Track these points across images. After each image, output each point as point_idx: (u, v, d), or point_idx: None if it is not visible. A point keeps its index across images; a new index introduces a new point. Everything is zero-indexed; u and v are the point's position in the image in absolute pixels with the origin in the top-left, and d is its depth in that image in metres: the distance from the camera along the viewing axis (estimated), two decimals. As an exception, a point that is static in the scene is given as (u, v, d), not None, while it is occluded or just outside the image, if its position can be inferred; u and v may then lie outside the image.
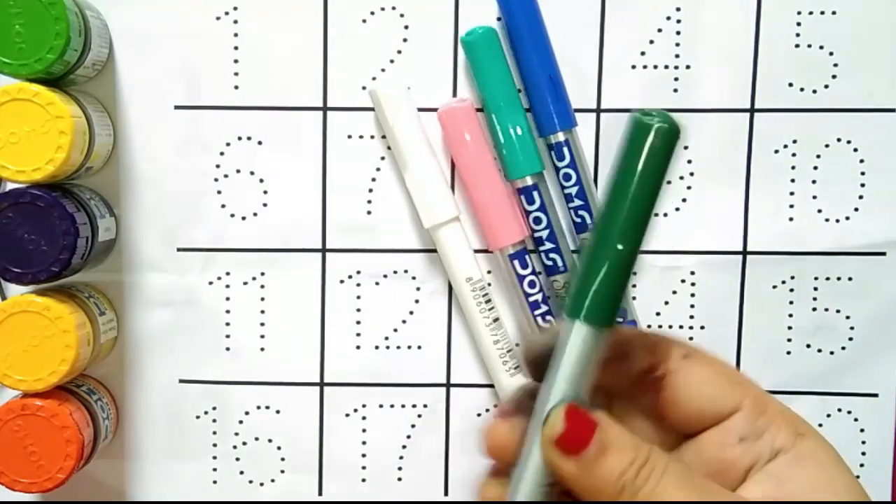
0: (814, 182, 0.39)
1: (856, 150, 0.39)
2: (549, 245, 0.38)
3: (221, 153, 0.39)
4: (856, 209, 0.39)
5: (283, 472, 0.41)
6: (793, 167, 0.39)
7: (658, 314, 0.40)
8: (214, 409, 0.40)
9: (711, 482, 0.25)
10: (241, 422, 0.40)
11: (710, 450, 0.26)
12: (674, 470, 0.24)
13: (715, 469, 0.26)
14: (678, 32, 0.38)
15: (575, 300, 0.23)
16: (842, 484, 0.25)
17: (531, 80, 0.38)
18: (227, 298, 0.40)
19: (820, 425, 0.40)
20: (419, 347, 0.40)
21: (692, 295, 0.40)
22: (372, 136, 0.39)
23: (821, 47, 0.38)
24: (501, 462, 0.27)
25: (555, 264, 0.38)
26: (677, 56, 0.38)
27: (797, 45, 0.38)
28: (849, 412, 0.40)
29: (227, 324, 0.40)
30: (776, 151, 0.39)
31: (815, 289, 0.40)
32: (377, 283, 0.40)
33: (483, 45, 0.37)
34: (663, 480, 0.23)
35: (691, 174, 0.39)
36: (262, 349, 0.40)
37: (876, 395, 0.40)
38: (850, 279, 0.39)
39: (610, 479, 0.23)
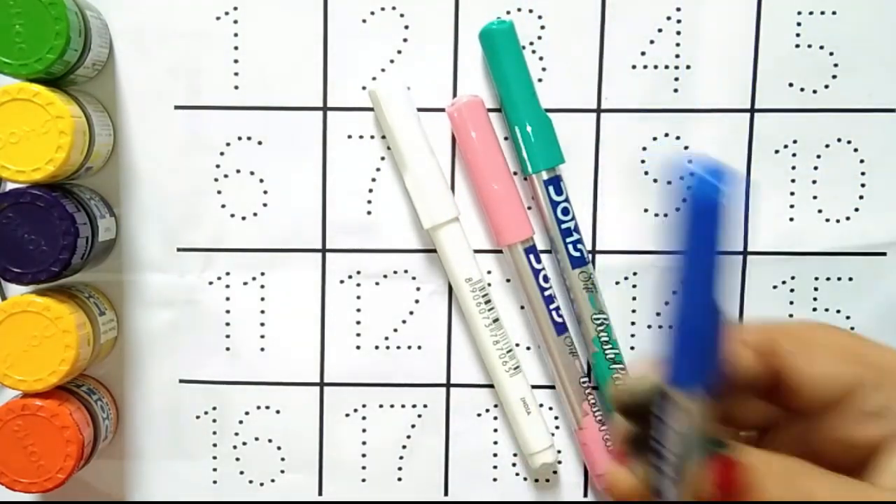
0: (814, 182, 0.39)
1: (856, 150, 0.39)
2: (575, 236, 0.38)
3: (221, 153, 0.39)
4: (856, 209, 0.39)
5: (283, 472, 0.41)
6: (793, 167, 0.39)
7: (658, 314, 0.40)
8: (214, 409, 0.40)
9: (851, 481, 0.24)
10: (241, 422, 0.40)
11: (839, 430, 0.25)
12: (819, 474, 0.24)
13: (847, 447, 0.25)
14: (678, 32, 0.38)
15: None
16: None
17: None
18: (227, 298, 0.40)
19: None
20: (419, 347, 0.40)
21: (692, 295, 0.39)
22: (372, 136, 0.39)
23: (821, 47, 0.38)
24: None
25: (581, 255, 0.38)
26: (677, 56, 0.38)
27: (797, 45, 0.38)
28: (849, 412, 0.40)
29: (227, 324, 0.40)
30: (776, 151, 0.39)
31: (816, 289, 0.40)
32: (377, 283, 0.40)
33: (501, 39, 0.37)
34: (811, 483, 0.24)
35: (691, 174, 0.39)
36: (262, 349, 0.40)
37: (876, 396, 0.40)
38: (850, 279, 0.39)
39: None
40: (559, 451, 0.40)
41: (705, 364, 0.23)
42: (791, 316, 0.40)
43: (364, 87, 0.39)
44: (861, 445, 0.25)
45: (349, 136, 0.39)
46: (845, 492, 0.24)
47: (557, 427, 0.40)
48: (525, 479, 0.40)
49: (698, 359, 0.23)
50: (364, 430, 0.40)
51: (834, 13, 0.38)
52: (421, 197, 0.38)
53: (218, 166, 0.39)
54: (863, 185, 0.39)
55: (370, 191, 0.39)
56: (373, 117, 0.39)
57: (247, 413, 0.40)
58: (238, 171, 0.39)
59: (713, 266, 0.23)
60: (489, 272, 0.40)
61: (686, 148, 0.39)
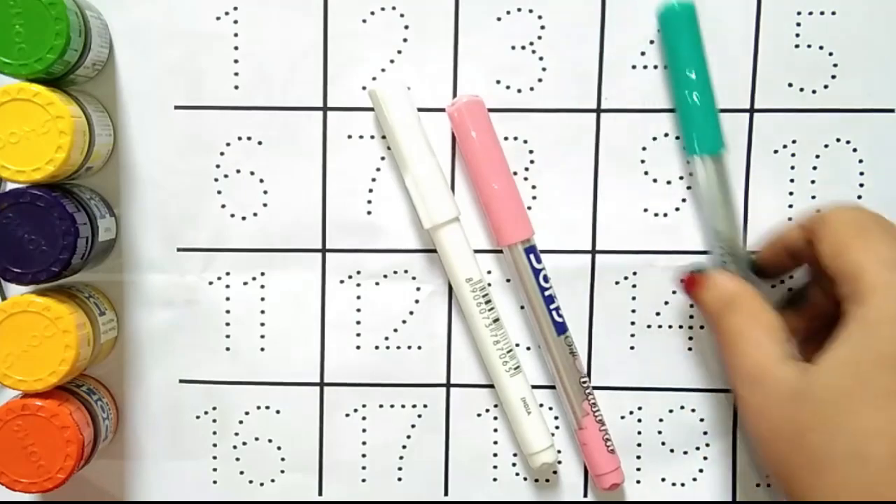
0: (813, 182, 0.39)
1: (855, 150, 0.39)
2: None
3: (221, 153, 0.39)
4: (855, 209, 0.39)
5: (283, 472, 0.41)
6: (792, 167, 0.39)
7: (658, 314, 0.40)
8: (214, 409, 0.40)
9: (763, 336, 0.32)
10: (241, 422, 0.40)
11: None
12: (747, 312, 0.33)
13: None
14: (678, 32, 0.38)
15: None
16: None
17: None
18: (227, 298, 0.40)
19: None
20: (419, 347, 0.40)
21: (692, 295, 0.40)
22: (372, 136, 0.39)
23: (821, 47, 0.38)
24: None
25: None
26: (677, 56, 0.38)
27: (797, 45, 0.38)
28: (848, 412, 0.40)
29: (227, 324, 0.40)
30: (776, 151, 0.39)
31: None
32: (377, 283, 0.40)
33: (683, 19, 0.37)
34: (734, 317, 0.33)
35: (691, 174, 0.39)
36: (262, 349, 0.40)
37: (876, 395, 0.40)
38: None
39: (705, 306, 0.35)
40: (559, 451, 0.40)
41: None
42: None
43: (364, 87, 0.39)
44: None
45: (349, 136, 0.39)
46: (737, 346, 0.32)
47: (557, 427, 0.40)
48: (525, 479, 0.41)
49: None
50: (364, 430, 0.40)
51: (834, 13, 0.38)
52: (421, 197, 0.38)
53: (218, 166, 0.39)
54: (862, 185, 0.39)
55: (370, 191, 0.39)
56: (373, 117, 0.39)
57: (247, 413, 0.40)
58: (238, 171, 0.39)
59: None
60: (489, 272, 0.40)
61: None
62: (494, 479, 0.40)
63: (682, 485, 0.40)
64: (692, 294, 0.36)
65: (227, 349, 0.40)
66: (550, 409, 0.40)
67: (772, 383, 0.30)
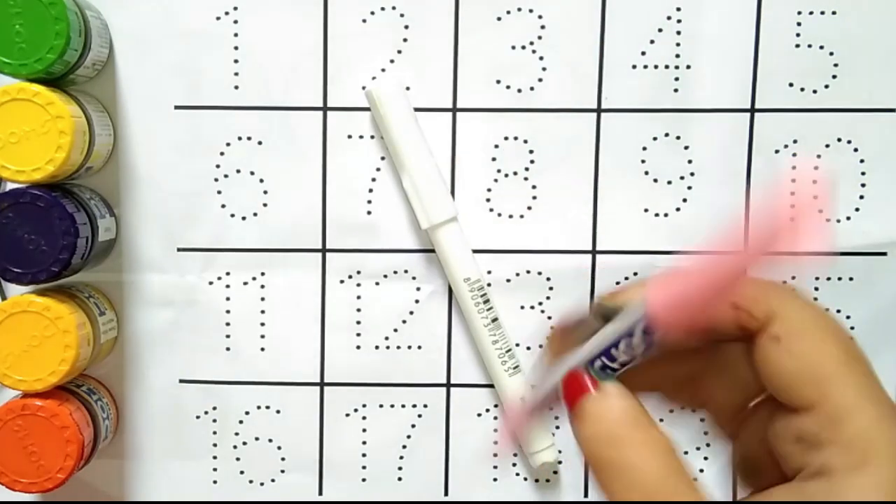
0: (814, 182, 0.39)
1: (856, 150, 0.39)
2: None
3: (221, 153, 0.39)
4: (856, 209, 0.39)
5: (283, 472, 0.41)
6: (793, 167, 0.39)
7: (658, 314, 0.40)
8: (214, 409, 0.40)
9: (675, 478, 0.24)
10: (241, 422, 0.40)
11: (775, 429, 0.25)
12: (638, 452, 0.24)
13: (773, 450, 0.25)
14: (678, 32, 0.38)
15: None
16: None
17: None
18: (227, 298, 0.40)
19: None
20: (419, 347, 0.40)
21: (692, 295, 0.39)
22: (372, 137, 0.39)
23: (821, 47, 0.38)
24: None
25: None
26: (677, 56, 0.38)
27: (797, 45, 0.38)
28: (849, 412, 0.40)
29: (227, 324, 0.40)
30: (776, 151, 0.39)
31: (816, 289, 0.40)
32: (377, 283, 0.40)
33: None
34: (630, 451, 0.24)
35: (691, 174, 0.39)
36: (262, 349, 0.40)
37: (876, 396, 0.40)
38: (850, 279, 0.39)
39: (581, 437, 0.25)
40: (560, 451, 0.40)
41: None
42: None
43: (364, 87, 0.39)
44: (782, 460, 0.24)
45: (349, 136, 0.39)
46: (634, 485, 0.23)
47: (558, 427, 0.40)
48: (525, 479, 0.40)
49: None
50: (364, 430, 0.40)
51: (834, 13, 0.38)
52: (418, 197, 0.38)
53: (218, 166, 0.39)
54: (863, 185, 0.39)
55: (370, 191, 0.39)
56: (372, 117, 0.39)
57: (247, 413, 0.40)
58: (238, 171, 0.39)
59: None
60: (489, 272, 0.40)
61: (686, 148, 0.39)
62: (494, 480, 0.40)
63: (683, 485, 0.40)
64: (569, 406, 0.25)
65: (227, 349, 0.40)
66: (551, 408, 0.40)
67: None
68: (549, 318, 0.40)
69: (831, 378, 0.23)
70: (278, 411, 0.40)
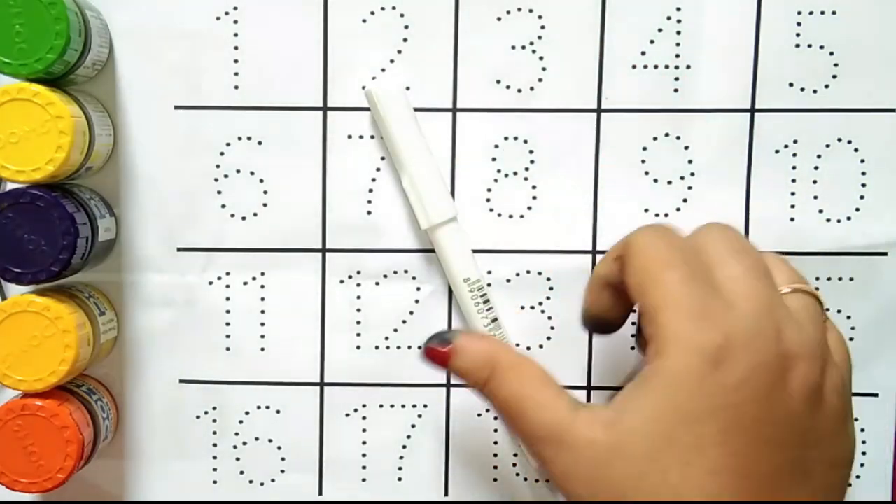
0: (815, 182, 0.39)
1: (856, 150, 0.39)
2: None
3: (221, 153, 0.39)
4: (857, 209, 0.39)
5: (283, 472, 0.41)
6: (793, 167, 0.39)
7: (658, 314, 0.40)
8: (214, 409, 0.40)
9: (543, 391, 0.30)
10: (241, 422, 0.40)
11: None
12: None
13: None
14: (678, 32, 0.38)
15: None
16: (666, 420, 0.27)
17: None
18: (227, 298, 0.40)
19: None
20: (419, 347, 0.40)
21: (692, 295, 0.39)
22: (372, 137, 0.39)
23: (821, 47, 0.38)
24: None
25: None
26: (677, 56, 0.38)
27: (797, 45, 0.38)
28: (849, 412, 0.40)
29: (227, 324, 0.40)
30: (776, 151, 0.39)
31: (817, 289, 0.40)
32: (377, 283, 0.40)
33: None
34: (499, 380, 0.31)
35: (691, 174, 0.39)
36: (262, 349, 0.40)
37: (876, 395, 0.40)
38: (851, 279, 0.39)
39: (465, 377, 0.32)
40: (559, 452, 0.40)
41: None
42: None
43: (364, 87, 0.39)
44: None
45: (349, 136, 0.39)
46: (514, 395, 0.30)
47: (557, 427, 0.40)
48: (525, 479, 0.40)
49: None
50: (364, 430, 0.40)
51: (834, 13, 0.38)
52: (418, 197, 0.38)
53: (218, 166, 0.39)
54: (863, 185, 0.39)
55: (370, 191, 0.39)
56: (371, 117, 0.39)
57: (247, 413, 0.40)
58: (238, 171, 0.39)
59: None
60: (489, 272, 0.40)
61: (686, 148, 0.39)
62: (494, 480, 0.40)
63: (683, 485, 0.40)
64: (447, 368, 0.33)
65: (227, 349, 0.40)
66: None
67: (579, 444, 0.28)
68: (549, 318, 0.40)
69: (652, 284, 0.29)
70: (278, 411, 0.40)
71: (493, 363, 0.31)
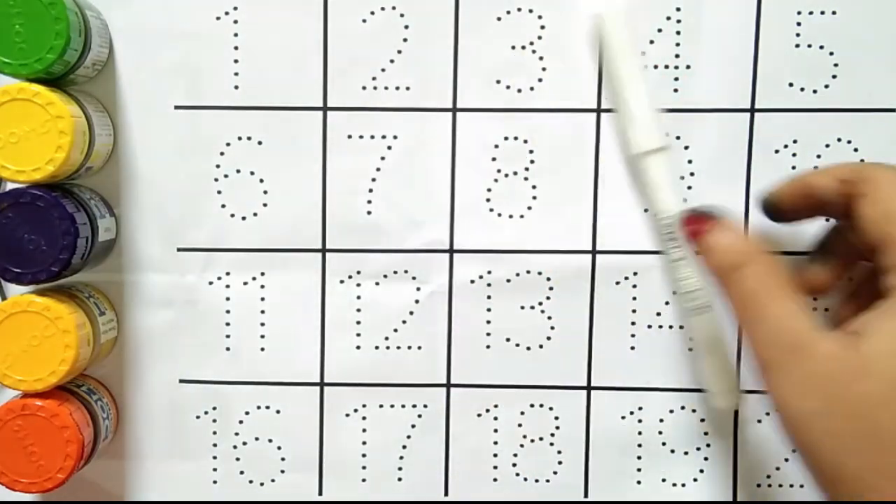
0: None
1: (856, 150, 0.39)
2: None
3: (221, 153, 0.39)
4: (856, 209, 0.39)
5: (283, 472, 0.41)
6: (793, 167, 0.39)
7: (658, 314, 0.40)
8: (214, 409, 0.40)
9: (789, 295, 0.30)
10: (241, 422, 0.40)
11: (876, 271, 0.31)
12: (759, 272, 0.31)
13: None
14: (678, 32, 0.38)
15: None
16: None
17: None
18: (227, 298, 0.40)
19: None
20: (419, 347, 0.40)
21: (692, 295, 0.40)
22: (372, 136, 0.39)
23: (821, 47, 0.38)
24: None
25: None
26: (677, 56, 0.38)
27: (797, 45, 0.38)
28: (849, 412, 0.40)
29: (227, 324, 0.40)
30: (776, 151, 0.39)
31: (816, 289, 0.40)
32: (377, 283, 0.40)
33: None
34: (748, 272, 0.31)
35: (691, 174, 0.39)
36: (262, 349, 0.40)
37: None
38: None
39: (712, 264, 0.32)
40: (559, 452, 0.40)
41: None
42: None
43: (364, 88, 0.39)
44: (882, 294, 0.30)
45: (349, 136, 0.39)
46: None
47: (559, 427, 0.40)
48: (525, 479, 0.40)
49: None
50: (364, 430, 0.40)
51: (834, 13, 0.38)
52: (632, 123, 0.37)
53: (218, 166, 0.39)
54: (863, 185, 0.39)
55: (370, 191, 0.39)
56: (373, 117, 0.39)
57: (247, 413, 0.40)
58: (238, 171, 0.39)
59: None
60: (489, 272, 0.40)
61: (686, 148, 0.39)
62: (494, 480, 0.40)
63: (683, 485, 0.40)
64: (697, 242, 0.33)
65: (227, 349, 0.40)
66: (551, 409, 0.40)
67: (821, 356, 0.28)
68: (549, 318, 0.40)
69: None
70: (278, 411, 0.40)
71: (751, 252, 0.31)
